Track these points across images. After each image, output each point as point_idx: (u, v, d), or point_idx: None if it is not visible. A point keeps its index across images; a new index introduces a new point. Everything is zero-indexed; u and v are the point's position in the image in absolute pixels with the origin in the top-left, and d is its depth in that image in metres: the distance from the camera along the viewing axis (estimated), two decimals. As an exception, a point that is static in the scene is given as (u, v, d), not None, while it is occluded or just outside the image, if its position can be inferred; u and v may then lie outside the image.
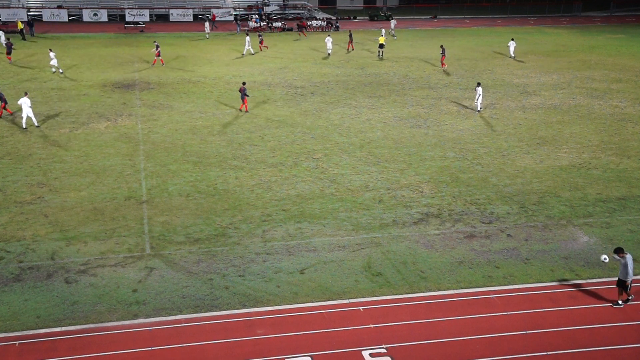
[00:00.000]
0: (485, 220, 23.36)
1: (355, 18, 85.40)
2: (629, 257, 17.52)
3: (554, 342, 16.45)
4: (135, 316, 17.30)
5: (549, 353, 16.04)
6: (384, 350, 16.04)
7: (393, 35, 66.32)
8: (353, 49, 58.97)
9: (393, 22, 68.91)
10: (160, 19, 78.27)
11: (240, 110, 37.15)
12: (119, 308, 17.64)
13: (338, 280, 19.21)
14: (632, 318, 17.55)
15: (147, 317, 17.24)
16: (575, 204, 24.83)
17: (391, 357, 15.81)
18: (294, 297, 18.33)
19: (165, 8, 79.37)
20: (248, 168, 28.12)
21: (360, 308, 17.82)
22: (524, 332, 16.87)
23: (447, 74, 48.79)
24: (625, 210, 24.34)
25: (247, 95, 37.08)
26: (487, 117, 36.79)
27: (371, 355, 15.90)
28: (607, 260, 17.93)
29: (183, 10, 78.76)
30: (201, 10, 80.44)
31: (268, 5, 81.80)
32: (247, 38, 56.26)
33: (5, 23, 70.84)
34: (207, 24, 66.16)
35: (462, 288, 18.89)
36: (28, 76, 45.74)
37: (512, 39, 57.51)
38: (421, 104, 39.40)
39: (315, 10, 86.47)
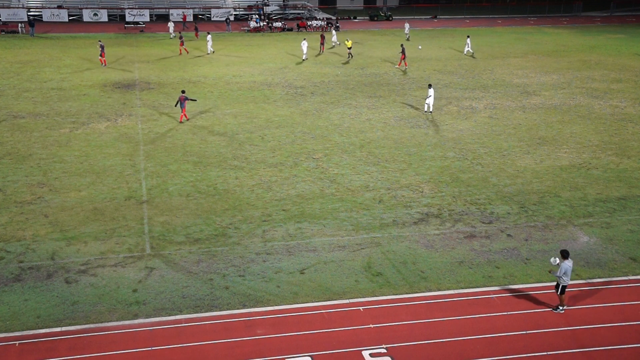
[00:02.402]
0: (485, 220, 23.36)
1: (355, 18, 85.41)
2: (565, 263, 17.20)
3: (554, 342, 16.45)
4: (135, 316, 17.30)
5: (549, 353, 16.04)
6: (384, 350, 16.04)
7: (407, 39, 65.90)
8: (323, 51, 58.21)
9: (407, 26, 68.14)
10: (160, 19, 78.27)
11: (181, 122, 34.66)
12: (119, 308, 17.64)
13: (338, 280, 19.21)
14: (632, 318, 17.55)
15: (147, 317, 17.24)
16: (575, 204, 24.84)
17: (391, 357, 15.81)
18: (294, 297, 18.33)
19: (165, 8, 79.39)
20: (248, 168, 28.12)
21: (361, 308, 17.82)
22: (524, 332, 16.87)
23: (404, 72, 48.67)
24: (625, 210, 24.34)
25: (188, 99, 34.87)
26: (487, 117, 36.80)
27: (371, 355, 15.90)
28: (558, 261, 17.45)
29: (183, 10, 78.74)
30: (201, 10, 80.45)
31: (267, 5, 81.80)
32: (209, 37, 56.14)
33: (5, 23, 70.83)
34: (170, 24, 65.17)
35: (462, 288, 18.89)
36: (28, 76, 45.75)
37: (468, 36, 58.77)
38: (421, 104, 39.37)
39: (315, 10, 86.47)
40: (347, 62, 53.41)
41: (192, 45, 60.61)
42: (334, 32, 62.84)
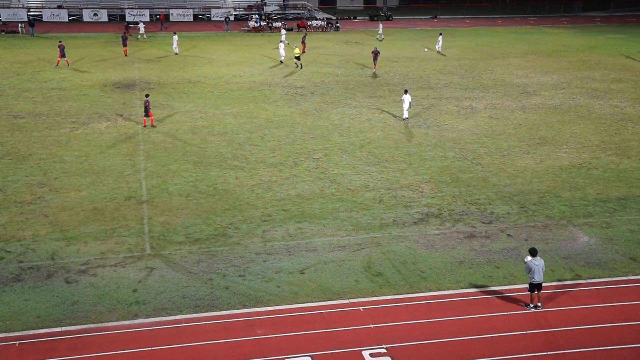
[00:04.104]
0: (485, 220, 23.36)
1: (355, 18, 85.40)
2: (530, 261, 17.41)
3: (554, 342, 16.46)
4: (136, 316, 17.30)
5: (549, 353, 16.04)
6: (384, 350, 16.04)
7: (380, 40, 65.68)
8: (304, 52, 57.24)
9: (381, 26, 67.19)
10: (160, 19, 78.24)
11: (145, 126, 33.62)
12: (119, 308, 17.64)
13: (338, 280, 19.21)
14: (632, 318, 17.55)
15: (147, 317, 17.24)
16: (575, 204, 24.84)
17: (391, 357, 15.81)
18: (294, 297, 18.33)
19: (165, 8, 79.36)
20: (248, 168, 28.12)
21: (361, 308, 17.83)
22: (524, 332, 16.87)
23: (376, 76, 47.87)
24: (625, 210, 24.34)
25: (150, 109, 33.71)
26: (487, 117, 36.80)
27: (371, 355, 15.90)
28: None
29: (183, 10, 78.75)
30: (201, 10, 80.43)
31: (266, 5, 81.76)
32: (175, 37, 55.41)
33: (5, 23, 70.81)
34: (141, 24, 64.17)
35: (462, 288, 18.89)
36: (28, 76, 45.75)
37: (440, 34, 59.69)
38: (421, 104, 39.39)
39: (315, 10, 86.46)
40: (290, 74, 48.33)
41: (193, 44, 60.61)
42: (283, 31, 61.30)
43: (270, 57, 54.99)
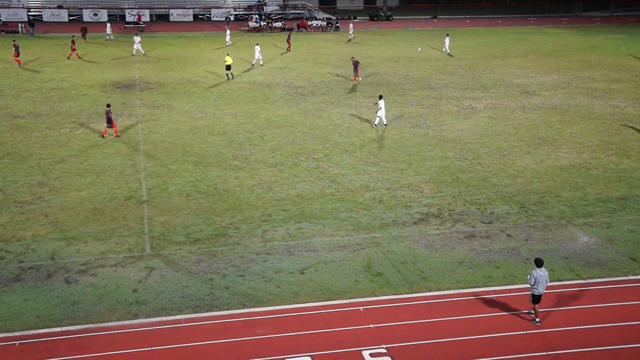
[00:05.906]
0: (485, 220, 23.36)
1: (355, 18, 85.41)
2: (535, 271, 16.72)
3: (554, 342, 16.46)
4: (135, 316, 17.30)
5: (549, 353, 16.05)
6: (384, 350, 16.04)
7: (349, 40, 65.01)
8: (289, 50, 57.22)
9: (351, 27, 65.99)
10: (160, 19, 78.26)
11: (104, 136, 31.99)
12: (119, 308, 17.64)
13: (338, 280, 19.22)
14: (632, 318, 17.55)
15: (147, 317, 17.25)
16: (575, 204, 24.84)
17: (391, 357, 15.81)
18: (294, 297, 18.33)
19: (165, 8, 79.38)
20: (248, 168, 28.13)
21: (361, 308, 17.83)
22: (524, 332, 16.87)
23: (354, 87, 45.47)
24: (625, 210, 24.34)
25: (111, 120, 31.72)
26: (487, 117, 36.80)
27: (371, 355, 15.90)
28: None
29: (183, 10, 78.75)
30: (201, 10, 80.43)
31: (266, 5, 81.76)
32: (136, 38, 54.73)
33: (5, 23, 70.79)
34: (108, 25, 63.59)
35: (462, 288, 18.89)
36: (28, 76, 45.75)
37: (447, 35, 60.15)
38: (421, 104, 39.41)
39: (315, 10, 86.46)
40: (232, 79, 45.75)
41: (193, 44, 60.59)
42: (228, 31, 61.00)
43: (270, 57, 54.99)
